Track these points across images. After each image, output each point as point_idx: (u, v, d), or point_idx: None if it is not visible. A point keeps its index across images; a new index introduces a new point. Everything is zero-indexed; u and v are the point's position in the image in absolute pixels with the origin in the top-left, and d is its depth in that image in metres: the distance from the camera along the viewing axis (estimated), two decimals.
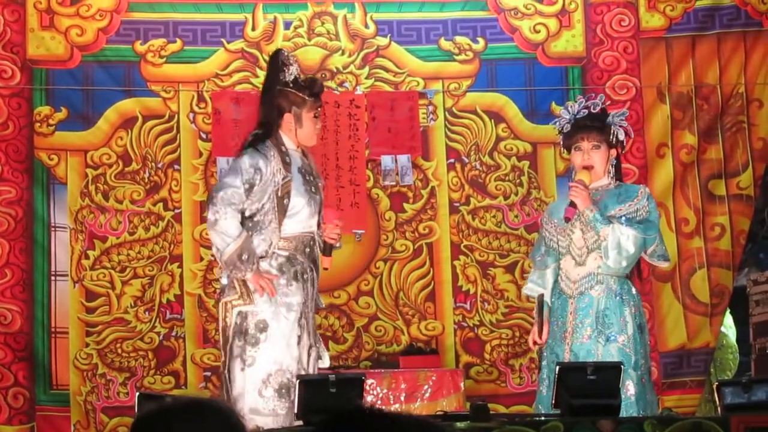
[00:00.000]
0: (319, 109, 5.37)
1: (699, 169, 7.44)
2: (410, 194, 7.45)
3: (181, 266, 7.27)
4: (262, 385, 5.13)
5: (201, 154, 7.34)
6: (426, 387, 6.85)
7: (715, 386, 4.86)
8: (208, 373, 7.16)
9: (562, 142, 5.58)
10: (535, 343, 5.60)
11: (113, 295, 7.22)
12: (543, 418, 4.57)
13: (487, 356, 7.36)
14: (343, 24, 7.46)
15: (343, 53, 7.46)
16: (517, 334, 7.33)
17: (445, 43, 7.47)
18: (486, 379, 7.34)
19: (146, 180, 7.29)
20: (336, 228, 5.34)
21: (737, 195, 7.45)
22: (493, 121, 7.46)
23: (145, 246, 7.27)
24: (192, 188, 7.31)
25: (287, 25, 7.44)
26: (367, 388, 6.54)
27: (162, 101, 7.34)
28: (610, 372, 4.55)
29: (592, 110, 5.49)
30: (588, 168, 5.44)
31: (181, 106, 7.33)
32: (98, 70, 7.29)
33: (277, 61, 5.33)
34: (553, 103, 7.40)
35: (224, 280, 5.28)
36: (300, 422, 4.54)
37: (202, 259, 7.25)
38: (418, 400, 6.83)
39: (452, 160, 7.45)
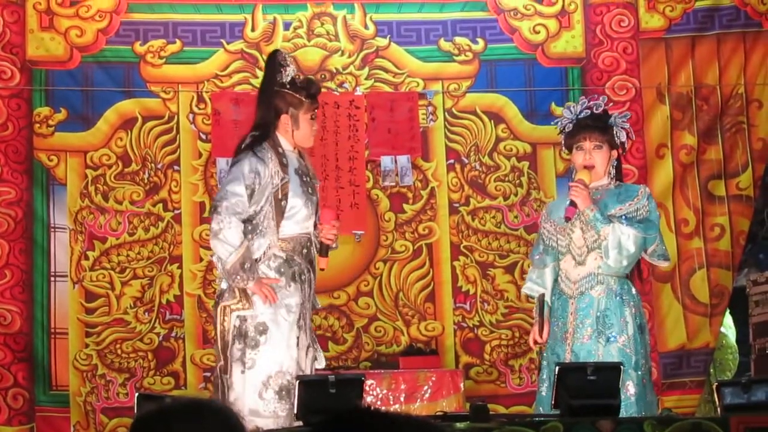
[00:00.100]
0: (315, 110, 5.36)
1: (698, 170, 7.44)
2: (410, 195, 7.45)
3: (180, 267, 7.27)
4: (262, 388, 5.13)
5: (201, 155, 7.34)
6: (426, 387, 6.85)
7: (714, 386, 4.85)
8: (208, 374, 7.15)
9: (563, 142, 5.58)
10: (535, 342, 5.61)
11: (113, 295, 7.22)
12: (543, 419, 4.57)
13: (486, 357, 7.36)
14: (342, 25, 7.46)
15: (342, 54, 7.46)
16: (517, 334, 7.33)
17: (444, 44, 7.47)
18: (486, 380, 7.34)
19: (146, 181, 7.29)
20: (333, 229, 5.33)
21: (737, 195, 7.45)
22: (492, 121, 7.46)
23: (145, 247, 7.27)
24: (192, 189, 7.31)
25: (287, 26, 7.44)
26: (367, 388, 6.54)
27: (161, 102, 7.34)
28: (610, 372, 4.55)
29: (594, 111, 5.50)
30: (589, 168, 5.44)
31: (181, 106, 7.34)
32: (98, 71, 7.30)
33: (274, 62, 5.32)
34: (553, 103, 7.40)
35: (223, 285, 5.27)
36: (299, 423, 4.54)
37: (201, 259, 7.25)
38: (418, 400, 6.83)
39: (452, 161, 7.46)
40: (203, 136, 7.34)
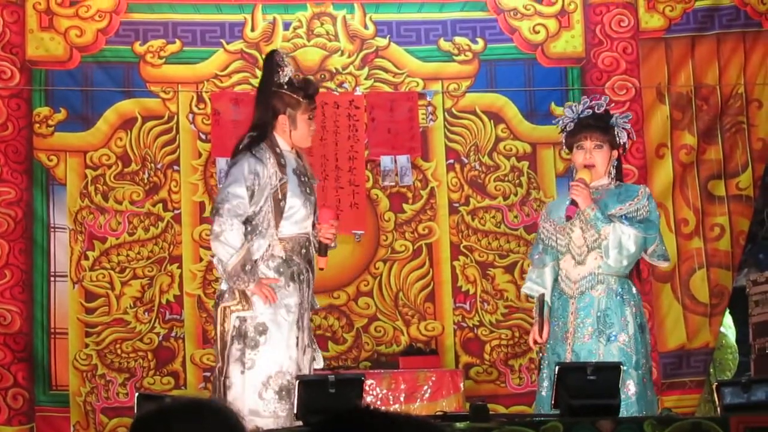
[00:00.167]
0: (313, 110, 5.35)
1: (698, 170, 7.44)
2: (410, 195, 7.45)
3: (180, 267, 7.27)
4: (262, 388, 5.13)
5: (200, 155, 7.34)
6: (426, 387, 6.85)
7: (714, 386, 4.85)
8: (208, 374, 7.15)
9: (564, 141, 5.58)
10: (535, 342, 5.61)
11: (113, 295, 7.22)
12: (542, 419, 4.57)
13: (486, 357, 7.36)
14: (342, 25, 7.46)
15: (342, 54, 7.46)
16: (517, 334, 7.33)
17: (444, 44, 7.47)
18: (486, 380, 7.34)
19: (146, 181, 7.29)
20: (331, 228, 5.33)
21: (737, 195, 7.45)
22: (492, 121, 7.46)
23: (145, 247, 7.27)
24: (191, 189, 7.31)
25: (286, 26, 7.43)
26: (367, 388, 6.54)
27: (161, 102, 7.34)
28: (610, 372, 4.56)
29: (596, 110, 5.51)
30: (589, 167, 5.44)
31: (181, 106, 7.33)
32: (97, 71, 7.29)
33: (272, 63, 5.32)
34: (553, 103, 7.41)
35: (223, 286, 5.27)
36: (299, 422, 4.54)
37: (201, 259, 7.25)
38: (418, 400, 6.83)
39: (452, 161, 7.46)
40: (203, 136, 7.34)
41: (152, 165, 7.29)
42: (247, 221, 5.19)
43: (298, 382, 4.59)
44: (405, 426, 2.21)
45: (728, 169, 7.45)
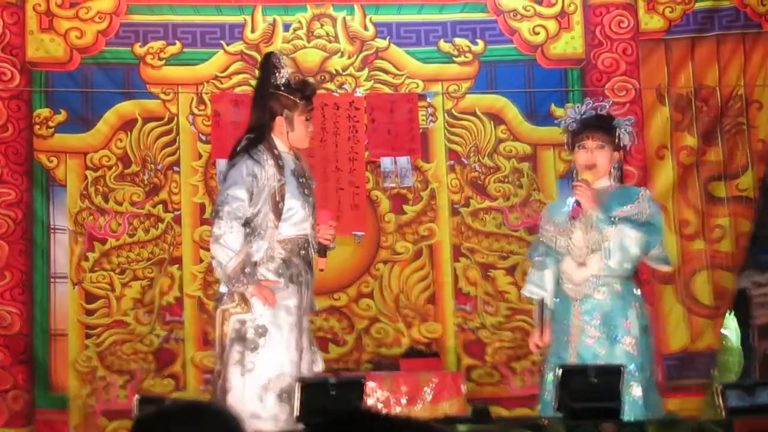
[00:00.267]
0: (311, 111, 5.35)
1: (699, 171, 7.43)
2: (410, 196, 7.44)
3: (181, 268, 7.26)
4: (262, 390, 5.12)
5: (200, 156, 7.33)
6: (427, 390, 6.84)
7: (718, 389, 4.84)
8: (208, 376, 7.14)
9: (566, 140, 5.58)
10: (537, 346, 5.59)
11: (113, 297, 7.21)
12: (545, 421, 4.55)
13: (488, 359, 7.35)
14: (342, 26, 7.46)
15: (342, 55, 7.45)
16: (519, 336, 7.32)
17: (444, 45, 7.46)
18: (487, 382, 7.33)
19: (146, 182, 7.28)
20: (330, 229, 5.33)
21: (737, 197, 7.44)
22: (492, 122, 7.46)
23: (145, 248, 7.26)
24: (192, 190, 7.31)
25: (286, 27, 7.43)
26: (368, 390, 6.52)
27: (161, 103, 7.33)
28: (612, 375, 4.54)
29: (599, 112, 5.51)
30: (590, 167, 5.43)
31: (181, 108, 7.33)
32: (97, 73, 7.29)
33: (268, 65, 5.31)
34: (553, 104, 7.40)
35: (222, 288, 5.26)
36: (300, 425, 4.53)
37: (202, 261, 7.24)
38: (419, 402, 6.82)
39: (452, 162, 7.45)
40: (203, 138, 7.33)
41: (152, 166, 7.28)
42: (246, 223, 5.18)
43: (298, 384, 4.58)
44: (405, 428, 2.21)
45: (728, 171, 7.44)
